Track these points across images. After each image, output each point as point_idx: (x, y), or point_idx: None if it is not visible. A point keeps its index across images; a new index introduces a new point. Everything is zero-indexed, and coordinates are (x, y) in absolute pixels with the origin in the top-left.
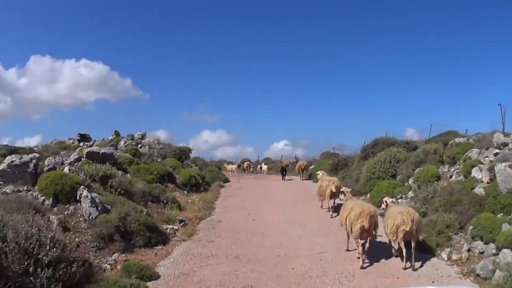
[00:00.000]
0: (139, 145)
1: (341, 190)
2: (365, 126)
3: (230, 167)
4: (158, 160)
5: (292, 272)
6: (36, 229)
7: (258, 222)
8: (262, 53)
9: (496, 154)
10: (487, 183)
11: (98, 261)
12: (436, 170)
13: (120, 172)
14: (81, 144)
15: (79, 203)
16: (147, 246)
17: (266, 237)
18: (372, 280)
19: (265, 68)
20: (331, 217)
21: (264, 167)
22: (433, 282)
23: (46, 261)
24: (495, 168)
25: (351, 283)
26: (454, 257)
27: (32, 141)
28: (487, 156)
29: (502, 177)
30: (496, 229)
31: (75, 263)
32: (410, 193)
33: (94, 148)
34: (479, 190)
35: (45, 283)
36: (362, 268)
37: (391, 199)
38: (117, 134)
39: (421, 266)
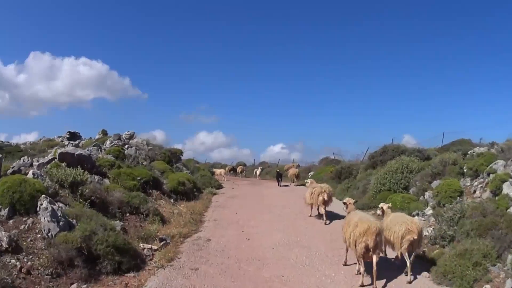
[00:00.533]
0: (126, 146)
1: (344, 201)
2: (360, 131)
3: (218, 171)
4: (144, 163)
5: None
6: None
7: (253, 242)
8: (261, 56)
9: None
10: None
11: None
12: (459, 184)
13: (96, 177)
14: (77, 141)
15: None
16: (116, 273)
17: (263, 264)
18: None
19: (263, 71)
20: (325, 224)
21: (258, 171)
22: None
23: None
24: None
25: None
26: None
27: (29, 138)
28: None
29: None
30: None
31: None
32: (427, 209)
33: (69, 149)
34: None
35: None
36: (362, 286)
37: (387, 205)
38: (104, 133)
39: None
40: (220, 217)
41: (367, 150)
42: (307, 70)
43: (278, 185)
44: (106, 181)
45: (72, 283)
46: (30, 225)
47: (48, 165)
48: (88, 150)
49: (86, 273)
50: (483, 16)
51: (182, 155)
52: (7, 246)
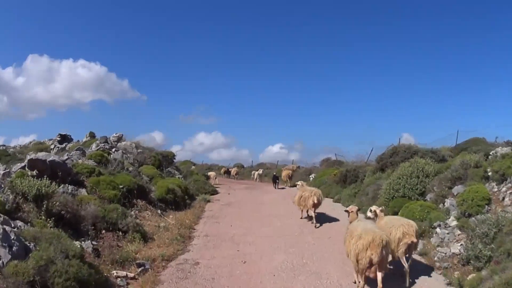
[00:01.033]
0: (113, 149)
1: (346, 209)
2: (358, 130)
3: (210, 173)
4: (131, 168)
5: None
6: None
7: (250, 266)
8: (259, 56)
9: None
10: None
11: None
12: (486, 190)
13: (70, 187)
14: (63, 145)
15: None
16: None
17: None
18: None
19: (262, 71)
20: (316, 227)
21: (256, 174)
22: None
23: None
24: None
25: None
26: None
27: (27, 141)
28: None
29: None
30: None
31: None
32: (450, 220)
33: (40, 155)
34: None
35: None
36: None
37: (380, 208)
38: (92, 135)
39: None
40: (212, 232)
41: (371, 151)
42: (307, 70)
43: (275, 187)
44: (83, 191)
45: None
46: None
47: (14, 174)
48: (68, 155)
49: None
50: (484, 16)
51: (175, 158)
52: None
